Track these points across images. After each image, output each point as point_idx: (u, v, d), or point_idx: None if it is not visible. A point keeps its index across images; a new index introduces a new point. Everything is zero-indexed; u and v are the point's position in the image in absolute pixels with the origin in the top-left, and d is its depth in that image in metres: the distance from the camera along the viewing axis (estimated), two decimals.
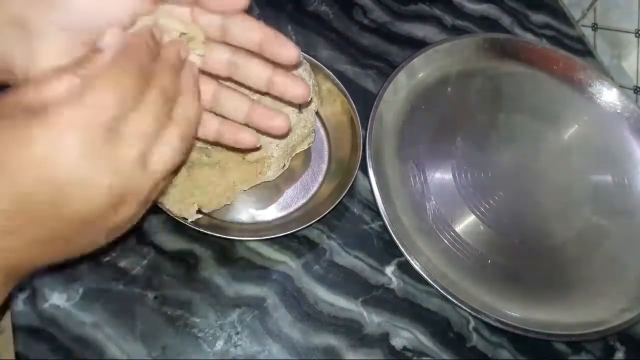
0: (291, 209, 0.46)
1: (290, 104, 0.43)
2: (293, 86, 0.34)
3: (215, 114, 0.36)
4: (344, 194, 0.44)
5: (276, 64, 0.34)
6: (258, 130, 0.36)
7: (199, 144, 0.42)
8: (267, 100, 0.43)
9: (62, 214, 0.26)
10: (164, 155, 0.28)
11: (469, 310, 0.43)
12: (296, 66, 0.43)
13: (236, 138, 0.35)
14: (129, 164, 0.27)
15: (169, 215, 0.41)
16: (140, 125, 0.27)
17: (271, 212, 0.46)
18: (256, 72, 0.34)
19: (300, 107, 0.45)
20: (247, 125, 0.36)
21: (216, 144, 0.37)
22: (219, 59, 0.34)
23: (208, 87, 0.35)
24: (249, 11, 0.58)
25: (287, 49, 0.32)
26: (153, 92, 0.28)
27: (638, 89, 0.59)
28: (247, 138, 0.35)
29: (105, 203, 0.27)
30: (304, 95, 0.34)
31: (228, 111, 0.35)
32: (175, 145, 0.29)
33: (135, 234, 0.43)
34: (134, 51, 0.28)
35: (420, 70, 0.54)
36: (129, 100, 0.26)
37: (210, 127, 0.35)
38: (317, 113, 0.47)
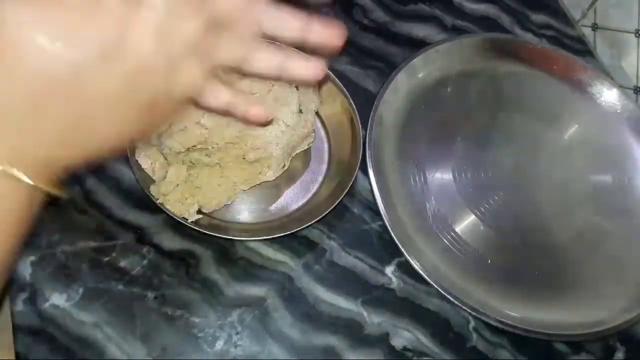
0: (291, 209, 0.46)
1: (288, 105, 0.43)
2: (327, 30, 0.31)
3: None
4: (344, 194, 0.44)
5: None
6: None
7: (199, 146, 0.42)
8: (269, 99, 0.43)
9: (85, 91, 0.24)
10: (192, 71, 0.27)
11: (469, 310, 0.43)
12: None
13: (247, 110, 0.33)
14: (150, 37, 0.25)
15: (169, 215, 0.41)
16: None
17: (271, 212, 0.46)
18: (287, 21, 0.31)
19: (300, 107, 0.45)
20: (278, 78, 0.33)
21: (225, 114, 0.35)
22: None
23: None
24: None
25: (336, 31, 0.30)
26: None
27: (638, 89, 0.59)
28: (258, 112, 0.32)
29: (125, 76, 0.25)
30: (340, 37, 0.31)
31: (258, 65, 0.31)
32: (198, 77, 0.27)
33: (135, 234, 0.43)
34: None
35: (420, 70, 0.54)
36: None
37: (222, 97, 0.32)
38: (317, 113, 0.47)
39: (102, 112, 0.26)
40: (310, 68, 0.32)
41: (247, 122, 0.33)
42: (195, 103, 0.32)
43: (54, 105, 0.24)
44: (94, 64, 0.24)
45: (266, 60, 0.31)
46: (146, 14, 0.25)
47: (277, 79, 0.33)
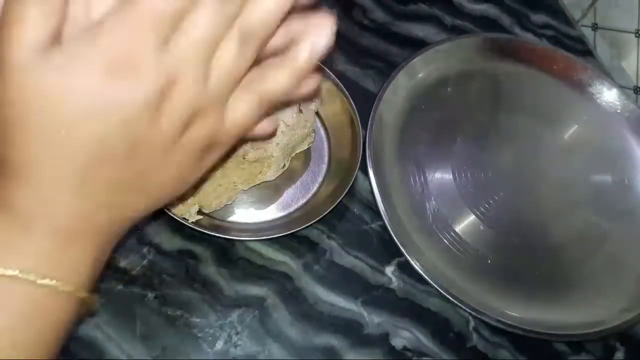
0: (291, 209, 0.46)
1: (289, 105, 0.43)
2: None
3: None
4: (344, 194, 0.44)
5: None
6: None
7: None
8: None
9: (132, 155, 0.24)
10: (226, 62, 0.24)
11: (469, 310, 0.43)
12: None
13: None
14: (190, 78, 0.23)
15: (169, 215, 0.41)
16: (199, 27, 0.23)
17: (271, 212, 0.46)
18: None
19: (300, 107, 0.45)
20: None
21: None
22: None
23: None
24: None
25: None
26: None
27: (638, 89, 0.59)
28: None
29: (172, 130, 0.24)
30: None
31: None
32: (238, 51, 0.24)
33: (135, 234, 0.43)
34: None
35: (420, 70, 0.54)
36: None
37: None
38: (317, 113, 0.47)
39: (157, 165, 0.25)
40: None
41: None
42: None
43: (106, 167, 0.23)
44: (143, 115, 0.23)
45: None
46: (187, 53, 0.23)
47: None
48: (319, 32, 0.26)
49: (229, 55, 0.24)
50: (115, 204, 0.25)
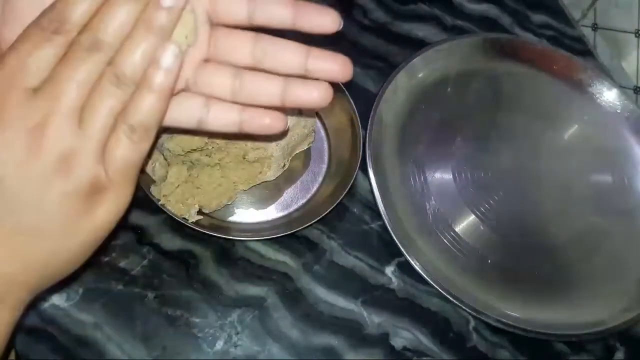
0: (291, 209, 0.46)
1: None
2: (333, 62, 0.29)
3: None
4: (344, 194, 0.44)
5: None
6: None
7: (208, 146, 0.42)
8: None
9: (12, 199, 0.24)
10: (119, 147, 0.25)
11: (469, 310, 0.43)
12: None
13: (262, 124, 0.30)
14: (63, 125, 0.24)
15: (169, 215, 0.41)
16: (67, 80, 0.24)
17: (271, 212, 0.46)
18: (288, 56, 0.29)
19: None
20: (279, 108, 0.30)
21: (235, 137, 0.33)
22: (242, 50, 0.28)
23: (224, 77, 0.29)
24: None
25: (326, 16, 0.28)
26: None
27: (638, 89, 0.59)
28: (275, 122, 0.30)
29: (50, 174, 0.24)
30: (346, 70, 0.29)
31: (258, 95, 0.29)
32: (129, 148, 0.26)
33: (135, 234, 0.43)
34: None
35: (420, 70, 0.54)
36: (46, 55, 0.24)
37: (230, 118, 0.29)
38: (317, 113, 0.47)
39: (36, 215, 0.25)
40: (313, 92, 0.29)
41: (265, 134, 0.30)
42: (198, 131, 0.30)
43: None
44: (9, 165, 0.24)
45: (265, 89, 0.29)
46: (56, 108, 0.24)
47: (282, 106, 0.30)
48: (165, 53, 0.26)
49: (104, 101, 0.25)
50: (8, 259, 0.25)
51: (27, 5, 0.26)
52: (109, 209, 0.27)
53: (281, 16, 0.28)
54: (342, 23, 0.29)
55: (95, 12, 0.24)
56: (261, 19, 0.28)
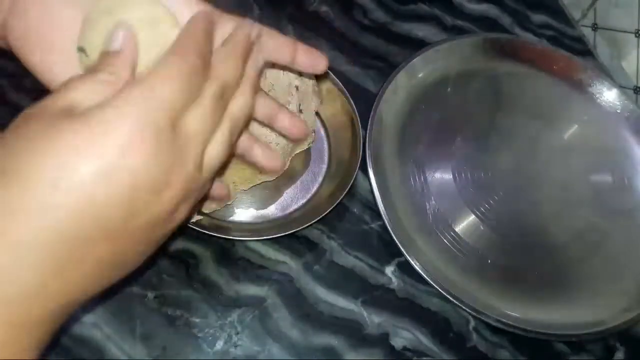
0: (291, 209, 0.46)
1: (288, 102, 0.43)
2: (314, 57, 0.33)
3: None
4: (344, 194, 0.44)
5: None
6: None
7: None
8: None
9: (128, 227, 0.24)
10: (216, 152, 0.27)
11: (469, 310, 0.43)
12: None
13: (263, 163, 0.35)
14: (192, 164, 0.25)
15: None
16: (201, 121, 0.25)
17: (271, 212, 0.46)
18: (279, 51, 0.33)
19: (300, 107, 0.45)
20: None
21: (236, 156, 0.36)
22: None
23: None
24: (249, 11, 0.58)
25: (319, 61, 0.33)
26: (214, 84, 0.26)
27: (638, 89, 0.59)
28: (275, 165, 0.36)
29: (169, 208, 0.25)
30: (321, 63, 0.33)
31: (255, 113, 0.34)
32: (227, 142, 0.27)
33: None
34: (193, 37, 0.26)
35: (420, 70, 0.54)
36: (190, 92, 0.25)
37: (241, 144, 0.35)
38: (317, 113, 0.47)
39: (143, 243, 0.26)
40: (294, 127, 0.35)
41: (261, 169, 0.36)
42: None
43: (94, 243, 0.23)
44: (141, 195, 0.23)
45: (260, 109, 0.34)
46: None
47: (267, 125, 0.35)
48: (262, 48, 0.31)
49: (220, 146, 0.27)
50: (83, 282, 0.24)
51: (41, 24, 0.28)
52: (183, 217, 0.28)
53: (283, 56, 0.32)
54: (327, 64, 0.34)
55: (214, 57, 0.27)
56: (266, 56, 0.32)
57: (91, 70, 0.25)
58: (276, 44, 0.32)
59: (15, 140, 0.23)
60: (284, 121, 0.35)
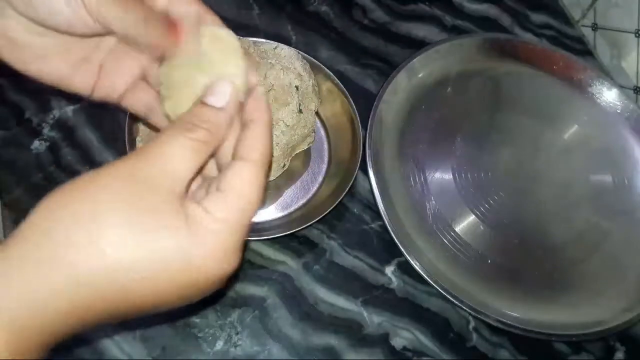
0: (291, 209, 0.46)
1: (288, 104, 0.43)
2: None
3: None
4: (344, 194, 0.44)
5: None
6: None
7: None
8: (269, 99, 0.43)
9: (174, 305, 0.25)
10: None
11: (469, 310, 0.43)
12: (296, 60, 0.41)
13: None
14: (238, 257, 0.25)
15: None
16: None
17: (271, 212, 0.46)
18: None
19: (300, 107, 0.45)
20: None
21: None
22: None
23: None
24: (249, 11, 0.58)
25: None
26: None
27: (638, 89, 0.59)
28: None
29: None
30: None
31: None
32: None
33: None
34: (267, 147, 0.26)
35: (420, 70, 0.54)
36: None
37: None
38: (317, 113, 0.47)
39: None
40: None
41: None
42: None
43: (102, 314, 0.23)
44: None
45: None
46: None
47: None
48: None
49: None
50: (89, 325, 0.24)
51: (35, 43, 0.27)
52: None
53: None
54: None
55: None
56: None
57: (185, 124, 0.25)
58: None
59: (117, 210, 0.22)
60: None
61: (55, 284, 0.21)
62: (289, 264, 0.45)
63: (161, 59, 0.28)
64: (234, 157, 0.25)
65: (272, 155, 0.27)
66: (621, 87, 0.57)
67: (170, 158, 0.23)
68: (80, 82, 0.29)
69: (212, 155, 0.26)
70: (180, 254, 0.22)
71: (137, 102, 0.31)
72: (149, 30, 0.26)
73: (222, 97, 0.25)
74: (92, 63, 0.29)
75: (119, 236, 0.22)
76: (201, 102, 0.25)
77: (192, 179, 0.24)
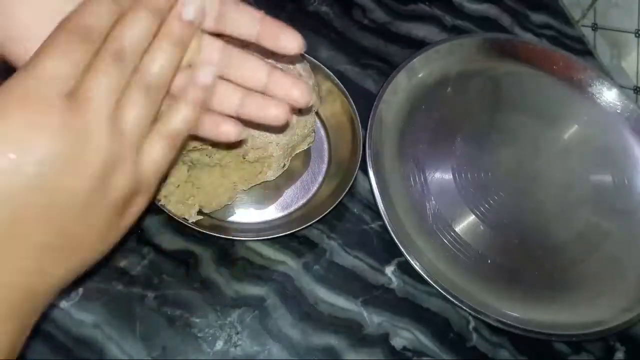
0: (291, 209, 0.46)
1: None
2: (292, 87, 0.30)
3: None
4: (344, 194, 0.44)
5: (276, 56, 0.32)
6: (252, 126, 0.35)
7: (199, 146, 0.42)
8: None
9: (56, 207, 0.23)
10: (133, 116, 0.25)
11: (469, 310, 0.43)
12: (296, 60, 0.41)
13: (218, 131, 0.30)
14: (104, 130, 0.24)
15: (169, 215, 0.41)
16: (96, 83, 0.24)
17: (271, 212, 0.46)
18: (252, 71, 0.31)
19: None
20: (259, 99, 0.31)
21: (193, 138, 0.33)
22: (209, 56, 0.29)
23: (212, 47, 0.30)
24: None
25: (289, 38, 0.29)
26: (109, 47, 0.24)
27: (638, 89, 0.59)
28: (230, 129, 0.30)
29: (94, 184, 0.24)
30: (304, 98, 0.31)
31: (242, 77, 0.31)
32: (143, 103, 0.26)
33: (135, 234, 0.43)
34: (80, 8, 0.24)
35: (420, 70, 0.54)
36: (76, 60, 0.24)
37: (232, 101, 0.31)
38: (317, 113, 0.47)
39: (79, 223, 0.25)
40: (270, 109, 0.31)
41: (267, 125, 0.32)
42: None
43: (24, 228, 0.23)
44: (55, 175, 0.23)
45: (247, 73, 0.31)
46: (93, 113, 0.24)
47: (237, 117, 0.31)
48: (204, 66, 0.29)
49: (135, 106, 0.25)
50: (34, 270, 0.24)
51: (32, 21, 0.27)
52: (134, 212, 0.28)
53: (247, 30, 0.30)
54: (304, 46, 0.30)
55: (117, 21, 0.25)
56: (228, 29, 0.30)
57: None
58: (239, 16, 0.29)
59: None
60: (282, 82, 0.31)
61: None
62: (289, 264, 0.45)
63: None
64: None
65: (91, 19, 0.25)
66: (621, 87, 0.57)
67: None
68: None
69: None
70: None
71: None
72: None
73: None
74: None
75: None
76: None
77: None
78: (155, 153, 0.27)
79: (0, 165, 0.21)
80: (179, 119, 0.27)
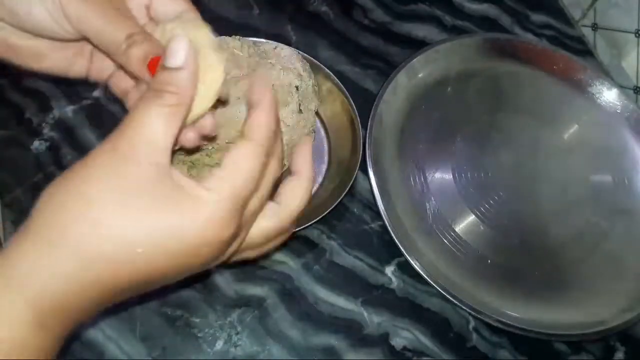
0: None
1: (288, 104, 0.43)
2: None
3: None
4: (344, 194, 0.44)
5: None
6: None
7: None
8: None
9: (164, 282, 0.26)
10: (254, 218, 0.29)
11: (469, 310, 0.43)
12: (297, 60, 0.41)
13: None
14: (244, 235, 0.28)
15: None
16: (260, 202, 0.27)
17: None
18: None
19: (300, 107, 0.45)
20: None
21: None
22: None
23: None
24: (249, 11, 0.58)
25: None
26: (272, 169, 0.28)
27: (638, 89, 0.59)
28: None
29: (209, 266, 0.27)
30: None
31: None
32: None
33: None
34: (268, 126, 0.27)
35: (420, 70, 0.54)
36: (261, 178, 0.27)
37: None
38: (317, 113, 0.47)
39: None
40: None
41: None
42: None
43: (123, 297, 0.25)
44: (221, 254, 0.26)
45: None
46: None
47: None
48: None
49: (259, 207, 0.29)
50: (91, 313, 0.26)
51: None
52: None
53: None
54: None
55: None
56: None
57: (152, 92, 0.25)
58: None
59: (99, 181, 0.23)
60: None
61: (67, 262, 0.23)
62: (289, 264, 0.45)
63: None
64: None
65: (277, 136, 0.27)
66: (621, 87, 0.57)
67: (148, 129, 0.24)
68: (76, 70, 0.33)
69: (186, 116, 0.26)
70: (174, 223, 0.24)
71: (115, 86, 0.33)
72: (128, 57, 0.27)
73: (179, 55, 0.25)
74: (85, 53, 0.32)
75: (114, 215, 0.23)
76: (161, 66, 0.26)
77: (174, 145, 0.25)
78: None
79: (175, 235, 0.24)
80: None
